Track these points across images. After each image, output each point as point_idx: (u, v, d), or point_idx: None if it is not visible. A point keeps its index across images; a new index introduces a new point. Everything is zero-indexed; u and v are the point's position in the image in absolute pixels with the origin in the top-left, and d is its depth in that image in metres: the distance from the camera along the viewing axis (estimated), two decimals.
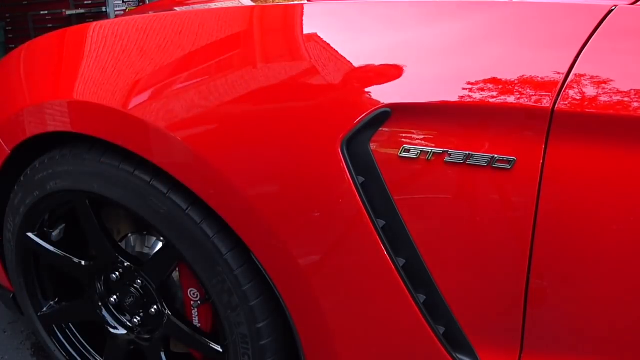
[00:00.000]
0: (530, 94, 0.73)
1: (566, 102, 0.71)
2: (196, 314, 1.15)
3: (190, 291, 1.13)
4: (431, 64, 0.81)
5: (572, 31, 0.75)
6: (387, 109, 0.79)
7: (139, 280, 1.15)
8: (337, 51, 0.87)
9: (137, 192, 1.01)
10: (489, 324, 0.84)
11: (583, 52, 0.72)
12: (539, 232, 0.76)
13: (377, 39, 0.87)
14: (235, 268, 0.96)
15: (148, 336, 1.20)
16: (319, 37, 0.91)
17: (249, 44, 0.95)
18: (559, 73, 0.72)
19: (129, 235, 1.24)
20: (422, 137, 0.78)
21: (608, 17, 0.74)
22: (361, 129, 0.80)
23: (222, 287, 0.98)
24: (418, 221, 0.82)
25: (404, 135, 0.79)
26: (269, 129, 0.86)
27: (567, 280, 0.77)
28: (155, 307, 1.15)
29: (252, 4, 1.21)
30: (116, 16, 3.94)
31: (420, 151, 0.78)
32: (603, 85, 0.71)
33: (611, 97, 0.70)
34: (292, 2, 1.12)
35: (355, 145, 0.81)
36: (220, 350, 1.08)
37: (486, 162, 0.75)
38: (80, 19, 5.69)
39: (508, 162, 0.74)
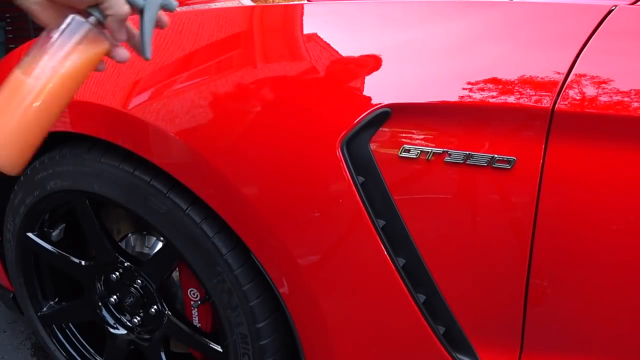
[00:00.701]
0: (530, 94, 0.73)
1: (566, 102, 0.71)
2: (196, 314, 1.15)
3: (190, 291, 1.13)
4: (431, 64, 0.81)
5: (572, 31, 0.75)
6: (387, 109, 0.79)
7: (139, 280, 1.15)
8: (337, 51, 0.87)
9: (137, 192, 1.01)
10: (489, 324, 0.84)
11: (583, 52, 0.72)
12: (539, 232, 0.76)
13: (377, 39, 0.87)
14: (235, 268, 0.96)
15: (148, 336, 1.20)
16: (319, 37, 0.91)
17: (249, 44, 0.95)
18: (559, 73, 0.72)
19: (129, 235, 1.24)
20: (422, 137, 0.78)
21: (608, 17, 0.74)
22: (361, 129, 0.80)
23: (222, 287, 0.98)
24: (418, 221, 0.82)
25: (404, 135, 0.79)
26: (269, 129, 0.86)
27: (567, 280, 0.77)
28: (155, 307, 1.15)
29: (252, 4, 1.21)
30: None
31: (420, 151, 0.78)
32: (603, 85, 0.71)
33: (611, 97, 0.70)
34: (292, 2, 1.12)
35: (355, 145, 0.81)
36: (220, 350, 1.08)
37: (486, 162, 0.75)
38: None
39: (508, 162, 0.74)
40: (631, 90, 0.69)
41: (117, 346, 1.24)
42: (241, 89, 0.88)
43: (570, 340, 0.81)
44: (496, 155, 0.75)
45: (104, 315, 1.23)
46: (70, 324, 1.35)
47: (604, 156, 0.71)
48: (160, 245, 1.20)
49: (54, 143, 1.13)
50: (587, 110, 0.70)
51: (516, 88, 0.74)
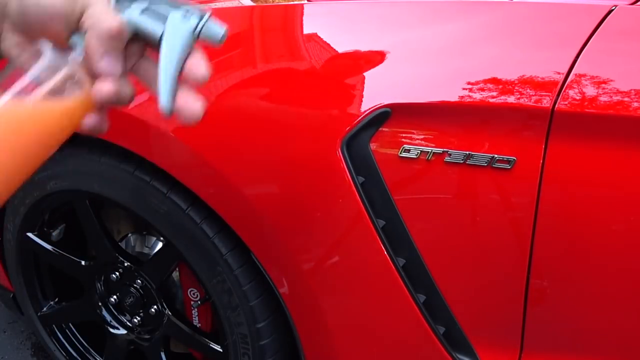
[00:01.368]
0: (530, 94, 0.73)
1: (566, 102, 0.71)
2: (196, 314, 1.15)
3: (190, 291, 1.13)
4: (431, 64, 0.81)
5: (572, 31, 0.75)
6: (387, 109, 0.79)
7: (139, 280, 1.15)
8: (337, 51, 0.87)
9: (137, 192, 1.01)
10: (489, 324, 0.84)
11: (583, 52, 0.72)
12: (539, 232, 0.76)
13: (377, 39, 0.87)
14: (235, 268, 0.96)
15: (148, 336, 1.20)
16: (319, 37, 0.91)
17: (249, 44, 0.95)
18: (559, 73, 0.72)
19: (129, 235, 1.24)
20: (422, 137, 0.78)
21: (608, 17, 0.74)
22: (361, 129, 0.80)
23: (222, 287, 0.98)
24: (418, 221, 0.82)
25: (404, 135, 0.79)
26: (269, 129, 0.86)
27: (567, 280, 0.77)
28: (155, 307, 1.15)
29: (252, 4, 1.21)
30: None
31: (420, 151, 0.78)
32: (603, 85, 0.71)
33: (611, 97, 0.70)
34: (292, 2, 1.12)
35: (355, 145, 0.81)
36: (220, 350, 1.08)
37: (486, 162, 0.75)
38: None
39: (508, 162, 0.74)
40: (631, 90, 0.69)
41: (117, 346, 1.24)
42: (241, 89, 0.88)
43: (570, 340, 0.81)
44: (496, 155, 0.75)
45: (104, 315, 1.23)
46: (70, 324, 1.35)
47: (604, 156, 0.71)
48: (160, 245, 1.20)
49: None
50: (587, 110, 0.70)
51: (516, 88, 0.74)
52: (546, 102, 0.72)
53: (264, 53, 0.92)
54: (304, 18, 0.96)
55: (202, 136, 0.89)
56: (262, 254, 0.92)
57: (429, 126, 0.78)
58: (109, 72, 0.45)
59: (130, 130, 0.96)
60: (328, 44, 0.89)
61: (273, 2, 1.29)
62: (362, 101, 0.80)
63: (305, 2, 1.06)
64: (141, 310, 1.18)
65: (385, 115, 0.79)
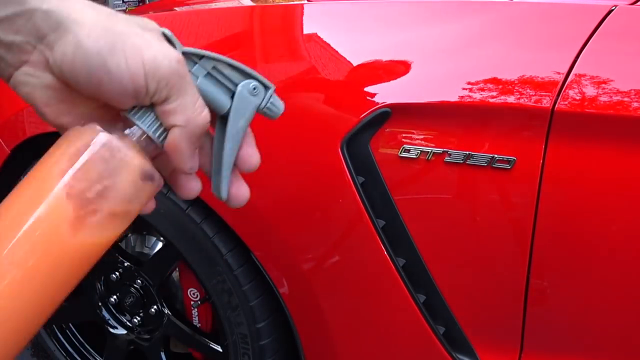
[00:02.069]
0: (530, 94, 0.73)
1: (566, 102, 0.71)
2: (196, 314, 1.15)
3: (190, 291, 1.13)
4: (431, 64, 0.81)
5: (572, 31, 0.75)
6: (387, 109, 0.79)
7: (139, 280, 1.15)
8: (337, 51, 0.87)
9: None
10: (489, 324, 0.84)
11: (583, 52, 0.72)
12: (538, 232, 0.76)
13: (377, 39, 0.87)
14: (235, 268, 0.96)
15: (148, 336, 1.20)
16: (319, 37, 0.91)
17: (249, 44, 0.95)
18: (559, 73, 0.72)
19: (129, 235, 1.24)
20: (422, 137, 0.78)
21: (608, 17, 0.74)
22: (361, 129, 0.80)
23: (222, 287, 0.98)
24: (418, 221, 0.82)
25: (404, 135, 0.79)
26: (269, 128, 0.86)
27: (567, 280, 0.77)
28: (155, 307, 1.15)
29: (252, 4, 1.21)
30: None
31: (420, 151, 0.78)
32: (603, 85, 0.71)
33: (611, 97, 0.70)
34: (292, 2, 1.12)
35: (355, 145, 0.81)
36: (220, 350, 1.08)
37: (486, 162, 0.75)
38: None
39: (508, 162, 0.74)
40: (631, 90, 0.69)
41: (117, 346, 1.24)
42: None
43: (570, 340, 0.81)
44: (496, 155, 0.75)
45: (104, 315, 1.23)
46: (70, 324, 1.35)
47: (604, 156, 0.71)
48: (160, 245, 1.20)
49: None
50: (587, 110, 0.70)
51: (516, 88, 0.74)
52: (546, 102, 0.72)
53: (264, 53, 0.92)
54: (304, 18, 0.96)
55: None
56: (262, 254, 0.92)
57: (429, 126, 0.78)
58: (195, 169, 0.39)
59: None
60: (328, 44, 0.89)
61: (273, 2, 1.29)
62: (362, 101, 0.80)
63: (305, 2, 1.06)
64: (141, 310, 1.18)
65: (385, 115, 0.79)
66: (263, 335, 1.00)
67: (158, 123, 0.37)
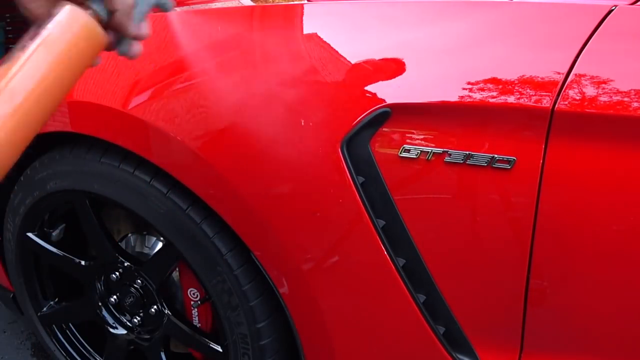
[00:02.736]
0: (530, 94, 0.73)
1: (566, 102, 0.71)
2: (196, 314, 1.15)
3: (190, 291, 1.13)
4: (431, 64, 0.81)
5: (572, 31, 0.75)
6: (387, 109, 0.79)
7: (139, 280, 1.15)
8: (337, 51, 0.87)
9: (137, 192, 1.01)
10: (489, 324, 0.84)
11: (583, 52, 0.72)
12: (538, 232, 0.76)
13: (377, 39, 0.87)
14: (235, 268, 0.96)
15: (148, 336, 1.20)
16: (319, 37, 0.91)
17: (249, 44, 0.95)
18: (559, 73, 0.72)
19: (129, 235, 1.24)
20: (422, 137, 0.78)
21: (608, 17, 0.74)
22: (361, 129, 0.80)
23: (222, 287, 0.98)
24: (418, 221, 0.82)
25: (404, 135, 0.79)
26: (269, 129, 0.86)
27: (567, 280, 0.77)
28: (155, 307, 1.15)
29: (252, 4, 1.21)
30: None
31: (420, 151, 0.78)
32: (603, 85, 0.71)
33: (611, 97, 0.70)
34: (292, 2, 1.12)
35: (355, 145, 0.81)
36: (220, 350, 1.08)
37: (486, 162, 0.75)
38: None
39: (508, 162, 0.74)
40: (631, 90, 0.69)
41: (117, 346, 1.24)
42: (241, 89, 0.88)
43: (570, 340, 0.81)
44: (496, 155, 0.75)
45: (104, 315, 1.23)
46: (70, 324, 1.35)
47: (604, 156, 0.71)
48: (160, 245, 1.20)
49: (54, 143, 1.13)
50: (587, 110, 0.70)
51: (516, 88, 0.74)
52: (546, 102, 0.72)
53: (264, 53, 0.92)
54: (304, 18, 0.96)
55: (202, 136, 0.89)
56: (262, 254, 0.92)
57: (429, 126, 0.78)
58: (138, 34, 0.60)
59: (130, 130, 0.96)
60: (328, 44, 0.89)
61: (273, 2, 1.29)
62: (362, 101, 0.80)
63: (305, 2, 1.06)
64: (141, 310, 1.18)
65: (385, 115, 0.79)
66: (263, 335, 1.00)
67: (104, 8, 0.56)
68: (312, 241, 0.87)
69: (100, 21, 0.57)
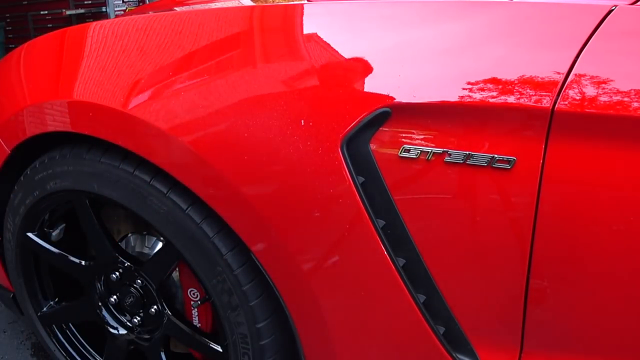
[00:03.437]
0: (530, 94, 0.73)
1: (566, 102, 0.71)
2: (196, 314, 1.15)
3: (190, 291, 1.13)
4: (431, 64, 0.81)
5: (572, 31, 0.75)
6: (387, 109, 0.79)
7: (139, 280, 1.15)
8: (337, 51, 0.87)
9: (137, 192, 1.01)
10: (489, 324, 0.84)
11: (583, 52, 0.72)
12: (539, 232, 0.76)
13: (377, 39, 0.87)
14: (235, 268, 0.96)
15: (148, 336, 1.20)
16: (319, 37, 0.91)
17: (249, 44, 0.95)
18: (559, 73, 0.72)
19: (129, 235, 1.24)
20: (422, 137, 0.78)
21: (608, 17, 0.74)
22: (361, 129, 0.80)
23: (222, 287, 0.98)
24: (418, 221, 0.82)
25: (404, 135, 0.79)
26: (269, 129, 0.86)
27: (567, 280, 0.77)
28: (155, 307, 1.15)
29: (252, 4, 1.21)
30: (116, 16, 3.95)
31: (420, 151, 0.78)
32: (603, 85, 0.71)
33: (611, 97, 0.70)
34: (292, 2, 1.12)
35: (355, 145, 0.81)
36: (220, 350, 1.08)
37: (486, 162, 0.75)
38: (80, 19, 5.70)
39: (508, 162, 0.75)
40: (631, 90, 0.70)
41: (117, 346, 1.24)
42: (241, 89, 0.88)
43: (570, 340, 0.81)
44: (496, 155, 0.75)
45: (103, 315, 1.23)
46: (70, 324, 1.35)
47: (604, 156, 0.71)
48: (160, 245, 1.20)
49: (54, 143, 1.13)
50: (587, 110, 0.70)
51: (516, 88, 0.74)
52: (546, 102, 0.72)
53: (264, 53, 0.92)
54: (304, 18, 0.96)
55: (202, 136, 0.89)
56: (262, 254, 0.92)
57: (429, 126, 0.78)
58: None
59: (130, 130, 0.96)
60: (328, 44, 0.89)
61: (273, 2, 1.29)
62: (362, 101, 0.80)
63: (305, 2, 1.06)
64: (141, 310, 1.18)
65: (385, 115, 0.79)
66: (263, 335, 1.00)
67: None
68: (312, 241, 0.87)
69: None
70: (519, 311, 0.81)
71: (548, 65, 0.74)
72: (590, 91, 0.71)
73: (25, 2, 5.97)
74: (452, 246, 0.81)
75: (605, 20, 0.74)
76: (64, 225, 1.26)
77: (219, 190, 0.90)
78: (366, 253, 0.84)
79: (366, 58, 0.84)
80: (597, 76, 0.71)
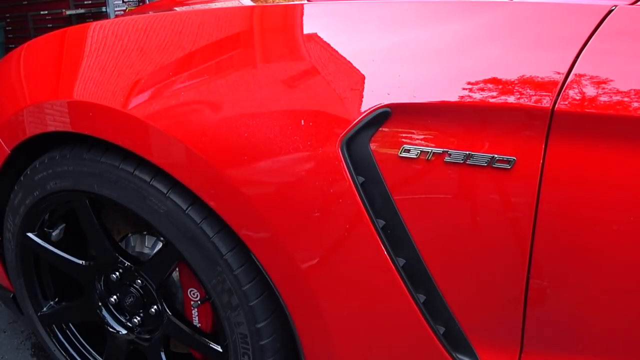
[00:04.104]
0: (530, 94, 0.73)
1: (566, 102, 0.71)
2: (196, 314, 1.15)
3: (190, 291, 1.13)
4: (431, 64, 0.81)
5: (572, 31, 0.75)
6: (387, 109, 0.79)
7: (139, 280, 1.15)
8: (337, 51, 0.87)
9: (137, 192, 1.01)
10: (489, 324, 0.84)
11: (583, 52, 0.72)
12: (538, 232, 0.76)
13: (377, 39, 0.87)
14: (235, 268, 0.96)
15: (148, 336, 1.20)
16: (319, 37, 0.91)
17: (248, 44, 0.95)
18: (559, 73, 0.72)
19: (129, 235, 1.24)
20: (422, 137, 0.78)
21: (608, 17, 0.74)
22: (361, 129, 0.80)
23: (222, 287, 0.98)
24: (418, 221, 0.82)
25: (404, 135, 0.79)
26: (269, 129, 0.86)
27: (567, 280, 0.77)
28: (155, 307, 1.15)
29: (252, 4, 1.21)
30: (116, 16, 3.94)
31: (420, 151, 0.78)
32: (603, 85, 0.71)
33: (611, 97, 0.70)
34: (292, 2, 1.12)
35: (355, 145, 0.81)
36: (220, 350, 1.08)
37: (486, 162, 0.75)
38: (80, 19, 5.70)
39: (508, 162, 0.75)
40: (631, 90, 0.70)
41: (117, 346, 1.24)
42: (241, 89, 0.88)
43: (570, 340, 0.81)
44: (496, 155, 0.75)
45: (104, 315, 1.23)
46: (70, 324, 1.35)
47: (604, 156, 0.71)
48: (160, 245, 1.20)
49: (54, 143, 1.13)
50: (587, 110, 0.70)
51: (516, 88, 0.74)
52: (546, 102, 0.72)
53: (264, 53, 0.92)
54: (304, 18, 0.96)
55: (202, 136, 0.89)
56: (262, 254, 0.92)
57: (429, 126, 0.78)
58: None
59: (130, 130, 0.96)
60: (328, 44, 0.89)
61: (273, 2, 1.29)
62: (362, 101, 0.80)
63: (305, 2, 1.06)
64: (141, 310, 1.18)
65: (385, 115, 0.79)
66: (263, 335, 1.00)
67: None
68: (312, 241, 0.87)
69: None
70: (519, 311, 0.81)
71: (548, 65, 0.74)
72: (590, 91, 0.71)
73: (25, 2, 5.97)
74: (452, 246, 0.81)
75: (605, 20, 0.74)
76: (64, 225, 1.26)
77: (219, 190, 0.90)
78: (366, 253, 0.84)
79: (366, 58, 0.84)
80: (597, 76, 0.71)
